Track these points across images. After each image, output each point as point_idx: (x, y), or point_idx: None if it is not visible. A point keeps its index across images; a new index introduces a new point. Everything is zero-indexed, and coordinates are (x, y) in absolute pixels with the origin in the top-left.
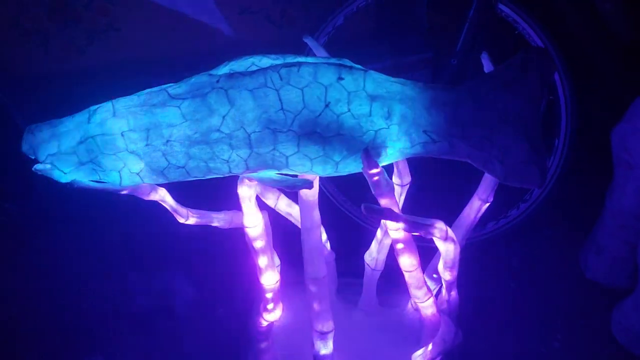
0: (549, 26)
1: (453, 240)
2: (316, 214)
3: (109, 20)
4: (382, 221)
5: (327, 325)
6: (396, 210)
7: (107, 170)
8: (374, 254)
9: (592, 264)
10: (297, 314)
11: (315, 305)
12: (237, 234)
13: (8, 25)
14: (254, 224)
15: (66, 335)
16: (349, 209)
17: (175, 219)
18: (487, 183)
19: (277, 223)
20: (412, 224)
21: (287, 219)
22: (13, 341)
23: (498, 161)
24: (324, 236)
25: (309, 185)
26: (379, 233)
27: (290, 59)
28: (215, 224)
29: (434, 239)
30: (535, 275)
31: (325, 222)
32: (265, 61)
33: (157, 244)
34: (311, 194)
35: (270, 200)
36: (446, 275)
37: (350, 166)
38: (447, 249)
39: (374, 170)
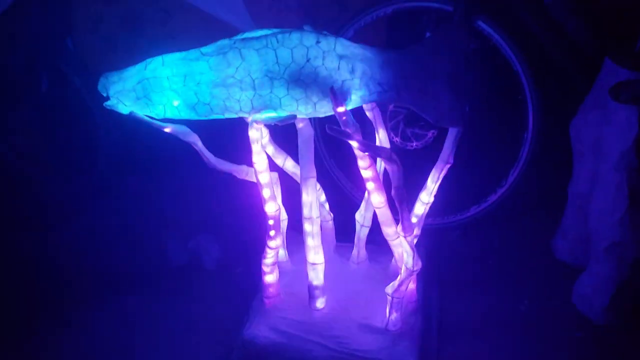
0: (519, 39)
1: (396, 162)
2: (312, 167)
3: (168, 30)
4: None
5: (318, 258)
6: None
7: (155, 103)
8: (362, 212)
9: (559, 245)
10: (299, 263)
11: (309, 241)
12: (258, 209)
13: (90, 31)
14: (259, 160)
15: (115, 280)
16: (346, 185)
17: (207, 198)
18: (446, 148)
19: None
20: (365, 144)
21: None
22: (76, 280)
23: (431, 107)
24: (323, 197)
25: (292, 117)
26: (366, 195)
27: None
28: (233, 172)
29: (383, 160)
30: (512, 254)
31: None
32: (267, 32)
33: (192, 214)
34: (308, 148)
35: (279, 160)
36: (396, 194)
37: (325, 107)
38: (392, 168)
39: (340, 108)
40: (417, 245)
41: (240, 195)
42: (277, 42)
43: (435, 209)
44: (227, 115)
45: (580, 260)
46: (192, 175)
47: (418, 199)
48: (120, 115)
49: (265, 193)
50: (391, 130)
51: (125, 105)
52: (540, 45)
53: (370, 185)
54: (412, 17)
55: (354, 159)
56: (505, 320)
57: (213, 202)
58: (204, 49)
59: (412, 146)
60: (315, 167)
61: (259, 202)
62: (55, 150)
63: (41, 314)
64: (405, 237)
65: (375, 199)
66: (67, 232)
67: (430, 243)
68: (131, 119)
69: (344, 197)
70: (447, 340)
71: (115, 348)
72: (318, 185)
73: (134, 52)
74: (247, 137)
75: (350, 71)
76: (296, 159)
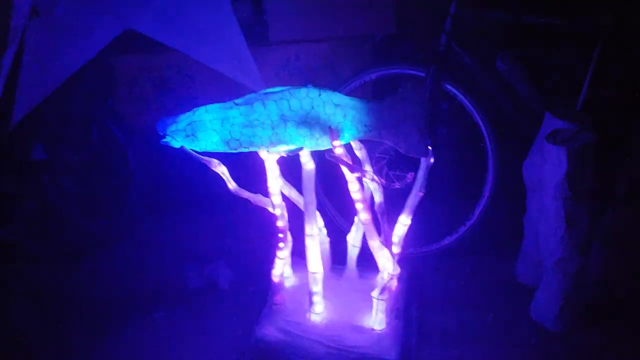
0: (479, 98)
1: (377, 182)
2: (312, 193)
3: (191, 92)
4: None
5: (318, 268)
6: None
7: (200, 140)
8: (353, 234)
9: (520, 269)
10: (301, 280)
11: (310, 255)
12: (268, 237)
13: (127, 93)
14: (274, 185)
15: (143, 300)
16: (336, 218)
17: (220, 232)
18: (418, 180)
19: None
20: (354, 167)
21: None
22: (108, 301)
23: (403, 142)
24: (321, 222)
25: (300, 149)
26: (355, 219)
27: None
28: (250, 198)
29: (367, 179)
30: (480, 277)
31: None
32: (283, 88)
33: (207, 245)
34: (309, 180)
35: (285, 190)
36: (378, 208)
37: (325, 142)
38: (374, 187)
39: (336, 142)
40: (400, 268)
41: (247, 228)
42: (290, 94)
43: (414, 240)
44: (252, 149)
45: (538, 282)
46: (204, 212)
47: (398, 221)
48: (149, 163)
49: (277, 211)
50: (377, 173)
51: (177, 141)
52: (497, 103)
53: (359, 206)
54: (392, 82)
55: (343, 197)
56: (474, 330)
57: (224, 235)
58: (237, 101)
59: (394, 186)
60: None
61: (267, 226)
62: (93, 191)
63: (80, 329)
64: (386, 245)
65: (363, 217)
66: (99, 261)
67: (411, 268)
68: (181, 151)
69: (335, 228)
70: (424, 344)
71: (146, 356)
72: (317, 212)
73: (161, 111)
74: (259, 173)
75: (343, 115)
76: (299, 190)
